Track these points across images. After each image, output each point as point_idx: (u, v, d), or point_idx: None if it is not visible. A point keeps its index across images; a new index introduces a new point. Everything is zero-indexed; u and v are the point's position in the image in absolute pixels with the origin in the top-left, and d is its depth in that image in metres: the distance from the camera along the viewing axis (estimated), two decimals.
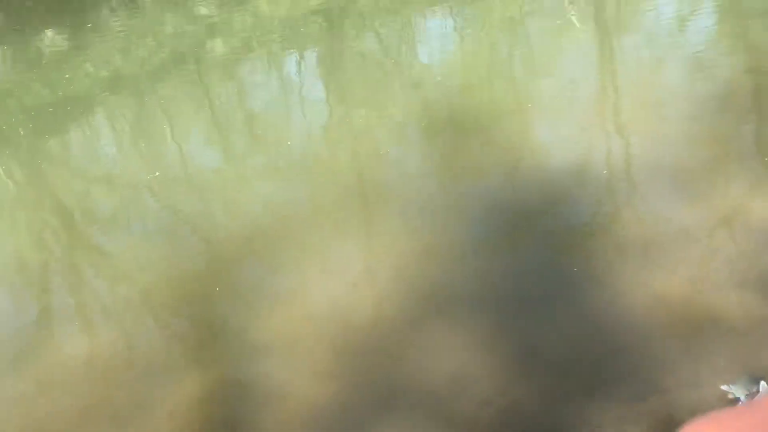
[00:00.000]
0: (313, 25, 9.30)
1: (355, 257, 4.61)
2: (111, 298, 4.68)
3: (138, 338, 4.27)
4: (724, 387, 2.84)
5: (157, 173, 6.34)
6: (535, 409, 3.03)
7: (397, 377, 3.41)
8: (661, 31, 6.85)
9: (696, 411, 2.78)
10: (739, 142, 4.76)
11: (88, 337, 4.35)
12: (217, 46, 9.13)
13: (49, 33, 9.28)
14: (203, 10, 9.95)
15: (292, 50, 8.76)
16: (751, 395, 2.74)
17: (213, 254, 5.03)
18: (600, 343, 3.30)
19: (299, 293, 4.31)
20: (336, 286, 4.28)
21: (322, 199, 5.43)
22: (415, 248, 4.48)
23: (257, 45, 9.03)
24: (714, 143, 4.73)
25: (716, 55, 6.06)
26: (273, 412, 3.36)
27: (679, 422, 2.64)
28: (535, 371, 3.23)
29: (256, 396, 3.49)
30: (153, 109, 7.88)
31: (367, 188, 5.66)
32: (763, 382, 2.77)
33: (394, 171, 5.73)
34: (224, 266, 4.82)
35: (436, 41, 8.26)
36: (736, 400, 2.78)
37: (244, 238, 5.08)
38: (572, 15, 7.83)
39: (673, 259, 3.71)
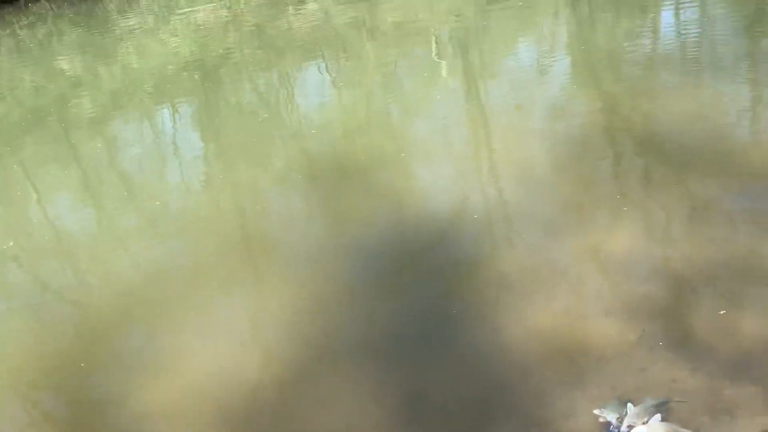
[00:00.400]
0: (187, 79, 9.19)
1: (241, 314, 4.50)
2: None
3: (6, 423, 3.90)
4: (596, 411, 3.01)
5: (11, 243, 5.95)
6: None
7: None
8: (523, 78, 7.36)
9: None
10: (597, 181, 5.15)
11: None
12: (84, 102, 8.78)
13: None
14: (64, 65, 9.55)
15: (165, 104, 8.59)
16: (620, 418, 2.92)
17: (86, 323, 4.74)
18: (482, 381, 3.39)
19: (182, 358, 4.14)
20: (221, 346, 4.15)
21: (203, 257, 5.28)
22: (302, 299, 4.45)
23: (127, 100, 8.78)
24: (575, 183, 5.10)
25: (572, 99, 6.58)
26: None
27: None
28: (421, 416, 3.26)
29: None
30: (12, 171, 7.41)
31: (251, 242, 5.58)
32: (629, 404, 2.96)
33: (277, 222, 5.70)
34: (99, 335, 4.55)
35: (313, 93, 8.41)
36: (608, 423, 2.94)
37: (121, 304, 4.83)
38: (441, 67, 8.26)
39: (545, 294, 3.92)
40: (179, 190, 6.46)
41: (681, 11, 8.28)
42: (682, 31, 7.55)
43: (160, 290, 4.88)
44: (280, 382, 3.75)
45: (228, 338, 4.22)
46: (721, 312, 3.47)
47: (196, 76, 9.36)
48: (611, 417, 2.95)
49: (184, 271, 5.12)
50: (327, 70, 9.18)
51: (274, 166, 6.54)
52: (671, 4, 8.66)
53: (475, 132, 6.47)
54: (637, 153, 5.45)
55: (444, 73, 8.18)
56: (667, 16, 8.38)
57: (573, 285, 3.98)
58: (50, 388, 4.16)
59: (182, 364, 4.08)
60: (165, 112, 8.57)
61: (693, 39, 7.44)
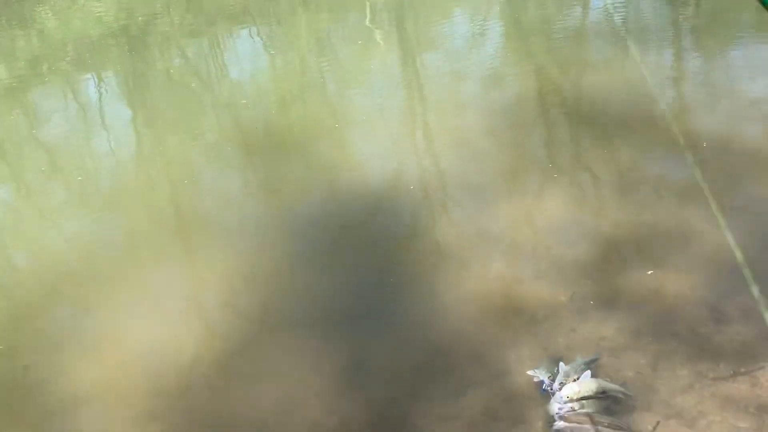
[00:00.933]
0: (112, 46, 8.79)
1: (176, 289, 4.40)
2: None
3: None
4: (529, 372, 3.11)
5: None
6: (363, 422, 3.09)
7: (224, 410, 3.30)
8: (457, 48, 7.38)
9: (511, 398, 3.02)
10: (529, 149, 5.25)
11: None
12: None
13: None
14: None
15: (89, 73, 8.20)
16: (552, 376, 3.03)
17: (12, 302, 4.54)
18: (420, 346, 3.45)
19: (115, 335, 4.03)
20: (155, 322, 4.06)
21: (135, 231, 5.11)
22: (238, 273, 4.38)
23: (48, 69, 8.33)
24: (508, 151, 5.18)
25: (505, 69, 6.64)
26: None
27: (493, 411, 2.82)
28: (360, 385, 3.30)
29: None
30: None
31: (184, 216, 5.44)
32: (561, 363, 3.08)
33: (210, 196, 5.57)
34: (27, 315, 4.37)
35: (245, 61, 8.19)
36: (541, 382, 3.05)
37: (50, 281, 4.63)
38: (375, 35, 8.18)
39: (480, 260, 4.00)
40: (107, 163, 6.20)
41: None
42: (611, 3, 7.71)
43: (91, 266, 4.71)
44: (217, 356, 3.70)
45: (162, 313, 4.13)
46: (648, 272, 3.63)
47: (122, 43, 8.95)
48: (544, 376, 3.05)
49: (116, 247, 4.95)
50: (259, 37, 8.95)
51: (206, 137, 6.36)
52: None
53: (410, 101, 6.47)
54: (567, 121, 5.58)
55: (378, 40, 8.11)
56: None
57: (506, 251, 4.07)
58: None
59: (115, 341, 3.98)
60: (89, 82, 8.17)
61: (621, 11, 7.61)
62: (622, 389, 2.94)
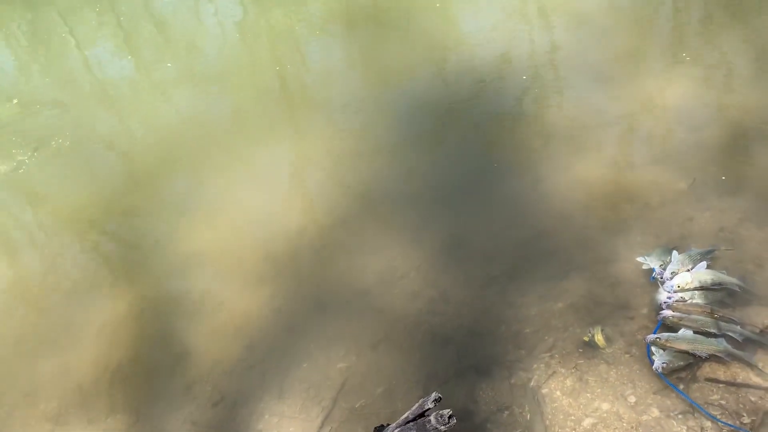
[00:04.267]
0: None
1: (283, 162, 4.51)
2: (30, 221, 4.45)
3: (59, 260, 4.11)
4: (639, 258, 2.98)
5: (57, 92, 5.96)
6: (461, 297, 3.11)
7: (329, 278, 3.43)
8: None
9: (616, 284, 2.93)
10: (655, 27, 4.78)
11: (8, 264, 4.16)
12: None
13: None
14: None
15: None
16: (664, 265, 2.89)
17: (132, 169, 4.82)
18: (523, 227, 3.37)
19: (227, 202, 4.22)
20: (264, 192, 4.21)
21: (243, 106, 5.23)
22: (342, 150, 4.41)
23: None
24: (630, 29, 4.75)
25: None
26: (206, 322, 3.34)
27: (597, 296, 2.74)
28: (460, 261, 3.29)
29: (188, 308, 3.46)
30: (50, 19, 7.28)
31: (290, 91, 5.47)
32: (674, 252, 2.92)
33: (316, 72, 5.55)
34: (145, 180, 4.64)
35: None
36: (651, 270, 2.92)
37: (165, 150, 4.88)
38: None
39: (593, 144, 3.78)
40: (217, 38, 6.28)
41: None
42: None
43: (203, 138, 4.88)
44: (321, 227, 3.81)
45: (270, 185, 4.25)
46: None
47: None
48: (654, 264, 2.92)
49: (225, 120, 5.09)
50: None
51: (311, 12, 6.25)
52: None
53: None
54: None
55: None
56: None
57: (623, 134, 3.83)
58: (105, 230, 4.32)
59: (226, 208, 4.16)
60: None
61: None
62: (738, 282, 2.77)
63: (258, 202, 4.13)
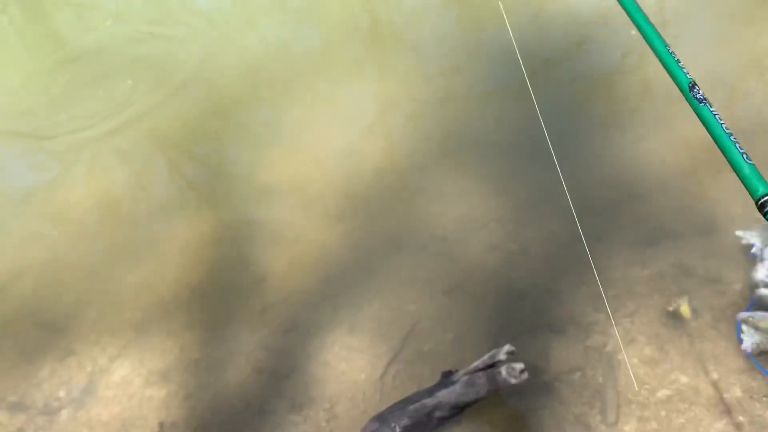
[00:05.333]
0: None
1: (366, 101, 4.47)
2: (121, 137, 4.60)
3: (148, 178, 4.26)
4: (739, 233, 2.80)
5: (144, 24, 6.07)
6: (542, 253, 3.03)
7: (407, 220, 3.40)
8: None
9: (709, 256, 2.77)
10: None
11: (100, 177, 4.34)
12: None
13: None
14: None
15: None
16: (766, 241, 2.71)
17: (219, 96, 4.88)
18: (615, 188, 3.23)
19: (309, 136, 4.22)
20: (346, 130, 4.18)
21: (331, 39, 5.18)
22: (429, 93, 4.32)
23: None
24: None
25: None
26: (284, 251, 3.39)
27: (687, 267, 2.60)
28: (544, 217, 3.19)
29: (267, 236, 3.52)
30: None
31: (380, 28, 5.38)
32: None
33: (406, 10, 5.42)
34: (231, 108, 4.71)
35: None
36: (750, 246, 2.74)
37: (251, 80, 4.91)
38: None
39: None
40: None
41: None
42: None
43: (288, 71, 4.88)
44: (401, 170, 3.77)
45: (351, 122, 4.23)
46: None
47: None
48: (756, 240, 2.73)
49: (311, 54, 5.06)
50: None
51: None
52: None
53: None
54: None
55: None
56: None
57: (733, 95, 3.57)
58: (185, 152, 4.43)
59: (307, 142, 4.18)
60: None
61: None
62: None
63: (339, 139, 4.12)
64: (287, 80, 4.78)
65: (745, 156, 1.25)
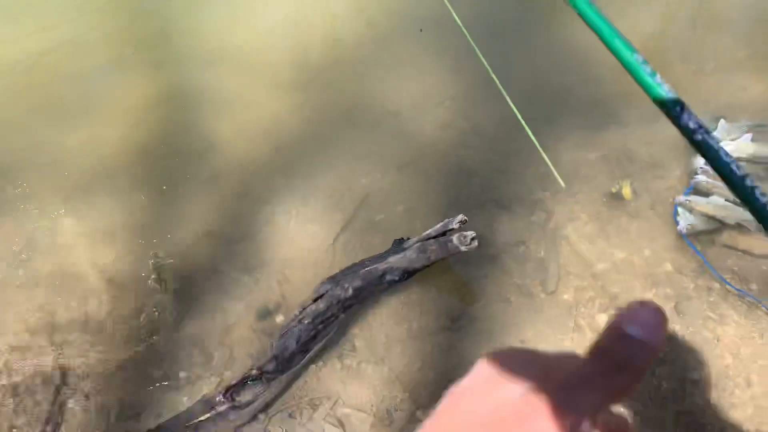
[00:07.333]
0: None
1: None
2: None
3: (90, 34, 3.97)
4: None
5: None
6: (493, 133, 3.07)
7: (362, 95, 3.36)
8: None
9: (653, 143, 2.88)
10: None
11: (37, 33, 4.02)
12: None
13: None
14: None
15: None
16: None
17: None
18: (569, 73, 3.26)
19: (261, 4, 4.03)
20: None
21: None
22: None
23: None
24: None
25: None
26: (233, 119, 3.30)
27: (632, 152, 2.69)
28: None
29: (215, 102, 3.41)
30: None
31: None
32: (722, 120, 2.85)
33: None
34: None
35: None
36: None
37: None
38: None
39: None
40: None
41: None
42: None
43: None
44: (359, 43, 3.68)
45: None
46: None
47: None
48: None
49: None
50: None
51: None
52: None
53: None
54: None
55: None
56: None
57: None
58: (132, 9, 4.14)
59: (260, 10, 3.99)
60: None
61: None
62: None
63: (292, 7, 3.95)
64: None
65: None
